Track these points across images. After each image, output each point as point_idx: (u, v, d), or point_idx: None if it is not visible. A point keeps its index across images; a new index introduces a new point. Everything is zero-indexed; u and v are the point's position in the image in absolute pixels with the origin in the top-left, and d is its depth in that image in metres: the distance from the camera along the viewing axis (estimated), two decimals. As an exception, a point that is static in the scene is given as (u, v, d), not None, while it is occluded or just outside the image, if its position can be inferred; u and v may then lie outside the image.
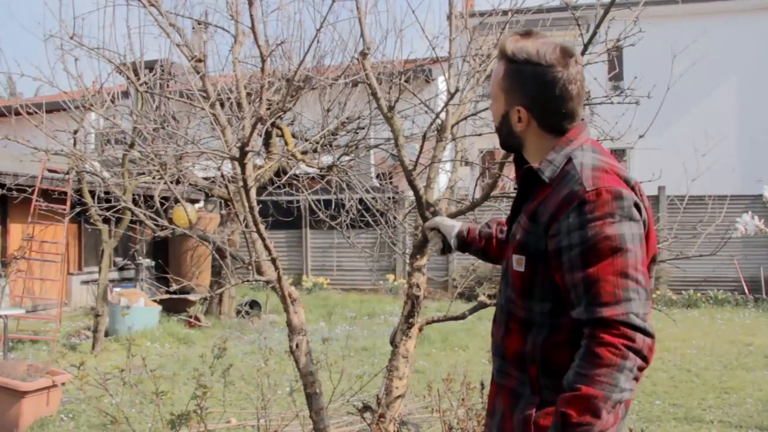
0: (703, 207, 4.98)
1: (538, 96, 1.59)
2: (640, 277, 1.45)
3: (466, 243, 2.06)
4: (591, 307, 1.43)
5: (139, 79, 5.13)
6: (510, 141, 1.70)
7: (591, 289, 1.43)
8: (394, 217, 5.06)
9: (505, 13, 3.73)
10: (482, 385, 3.44)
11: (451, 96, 2.60)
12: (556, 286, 1.53)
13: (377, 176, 10.14)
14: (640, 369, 1.43)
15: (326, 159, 6.63)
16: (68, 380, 5.39)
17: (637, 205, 1.49)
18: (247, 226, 2.80)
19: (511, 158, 2.11)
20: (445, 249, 2.14)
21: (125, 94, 8.59)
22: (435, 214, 2.23)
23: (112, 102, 6.83)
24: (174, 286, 9.48)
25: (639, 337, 1.41)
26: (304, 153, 6.70)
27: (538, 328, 1.58)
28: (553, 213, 1.51)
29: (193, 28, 7.37)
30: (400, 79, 2.82)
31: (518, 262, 1.59)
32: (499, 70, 1.66)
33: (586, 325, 1.44)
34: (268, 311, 10.91)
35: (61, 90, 5.68)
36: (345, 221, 5.85)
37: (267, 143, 6.80)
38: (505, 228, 1.96)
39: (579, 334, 1.48)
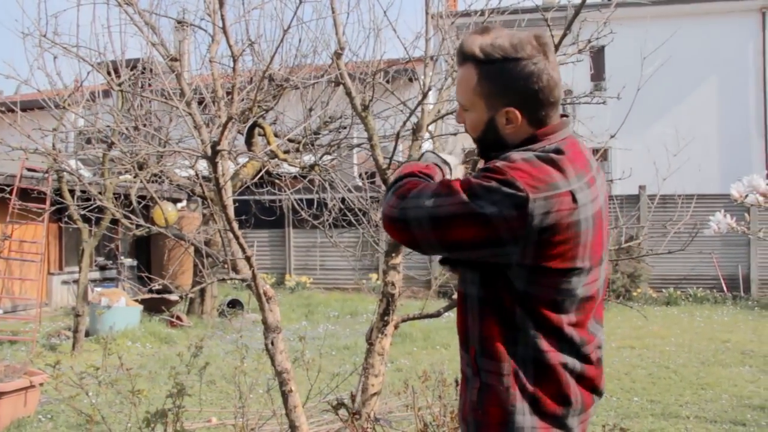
0: (686, 205, 5.04)
1: (526, 92, 1.49)
2: (437, 211, 1.44)
3: None
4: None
5: (119, 77, 5.11)
6: (495, 147, 1.57)
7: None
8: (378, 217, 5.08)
9: (482, 13, 3.77)
10: (457, 381, 3.46)
11: (424, 95, 2.62)
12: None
13: (360, 175, 10.15)
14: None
15: (308, 158, 6.64)
16: (46, 381, 5.36)
17: (519, 210, 1.39)
18: (223, 225, 2.81)
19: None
20: None
21: (106, 94, 8.53)
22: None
23: (93, 101, 6.80)
24: (156, 286, 9.45)
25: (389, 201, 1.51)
26: (286, 152, 6.71)
27: (471, 303, 1.56)
28: None
29: (175, 27, 7.35)
30: (373, 79, 2.84)
31: None
32: (468, 75, 1.53)
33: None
34: (250, 310, 10.89)
35: (38, 89, 5.64)
36: (328, 220, 5.86)
37: (249, 142, 6.79)
38: None
39: (510, 313, 1.48)
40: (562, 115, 1.59)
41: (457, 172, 1.79)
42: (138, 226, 3.22)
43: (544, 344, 1.49)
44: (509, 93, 1.50)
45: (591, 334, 1.56)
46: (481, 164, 1.64)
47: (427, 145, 4.01)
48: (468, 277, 1.57)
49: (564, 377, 1.50)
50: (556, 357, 1.50)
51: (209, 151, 2.04)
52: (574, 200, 1.44)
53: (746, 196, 2.86)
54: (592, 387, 1.57)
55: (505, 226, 1.40)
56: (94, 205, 3.62)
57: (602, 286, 1.59)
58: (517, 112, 1.50)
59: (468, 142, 1.72)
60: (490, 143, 1.58)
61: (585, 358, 1.54)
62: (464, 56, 1.53)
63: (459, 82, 1.57)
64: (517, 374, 1.49)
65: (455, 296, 2.99)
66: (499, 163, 1.44)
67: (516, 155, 1.46)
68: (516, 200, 1.38)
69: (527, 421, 1.49)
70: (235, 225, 2.38)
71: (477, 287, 1.54)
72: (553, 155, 1.47)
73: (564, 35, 2.48)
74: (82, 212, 6.53)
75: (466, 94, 1.55)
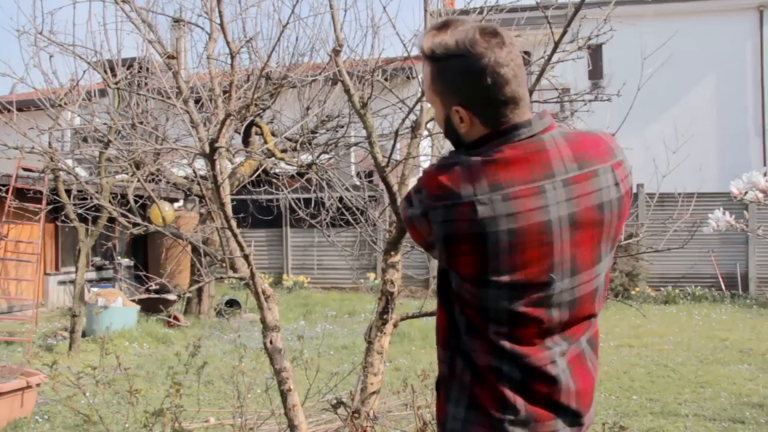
0: (685, 204, 5.04)
1: (470, 90, 1.43)
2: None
3: None
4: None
5: (115, 76, 5.09)
6: (459, 145, 1.53)
7: None
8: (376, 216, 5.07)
9: (480, 11, 3.75)
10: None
11: (423, 92, 2.60)
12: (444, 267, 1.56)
13: (357, 174, 10.13)
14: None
15: (306, 157, 6.62)
16: (43, 381, 5.33)
17: (424, 212, 1.46)
18: (221, 223, 2.79)
19: None
20: None
21: (102, 93, 8.50)
22: None
23: (89, 99, 6.77)
24: (153, 286, 9.42)
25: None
26: (283, 151, 6.69)
27: (437, 294, 1.62)
28: None
29: (172, 26, 7.33)
30: (372, 76, 2.83)
31: None
32: (426, 72, 1.50)
33: None
34: (248, 310, 10.86)
35: (34, 87, 5.62)
36: (325, 220, 5.85)
37: (246, 141, 6.78)
38: None
39: (451, 308, 1.53)
40: (552, 113, 1.56)
41: None
42: (135, 224, 3.20)
43: (474, 344, 1.49)
44: (455, 91, 1.45)
45: (545, 349, 1.48)
46: None
47: (425, 143, 4.00)
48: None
49: (495, 381, 1.47)
50: (485, 359, 1.47)
51: (207, 148, 2.02)
52: (474, 212, 1.38)
53: (746, 192, 2.85)
54: (548, 401, 1.48)
55: (423, 230, 1.47)
56: (91, 204, 3.59)
57: (572, 303, 1.48)
58: (464, 111, 1.45)
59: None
60: (454, 141, 1.55)
61: (529, 371, 1.47)
62: (422, 54, 1.51)
63: (423, 80, 1.57)
64: (457, 365, 1.52)
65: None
66: (424, 169, 1.50)
67: (438, 162, 1.50)
68: (422, 207, 1.45)
69: (460, 413, 1.50)
70: (233, 223, 2.36)
71: (437, 279, 1.60)
72: (473, 161, 1.42)
73: (564, 32, 2.46)
74: (79, 211, 6.50)
75: (427, 91, 1.54)
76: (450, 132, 1.53)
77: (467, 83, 1.43)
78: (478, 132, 1.47)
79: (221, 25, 2.00)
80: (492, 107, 1.43)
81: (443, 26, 1.46)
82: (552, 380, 1.48)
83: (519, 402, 1.46)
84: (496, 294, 1.43)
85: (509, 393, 1.46)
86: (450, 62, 1.43)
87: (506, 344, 1.45)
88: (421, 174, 1.50)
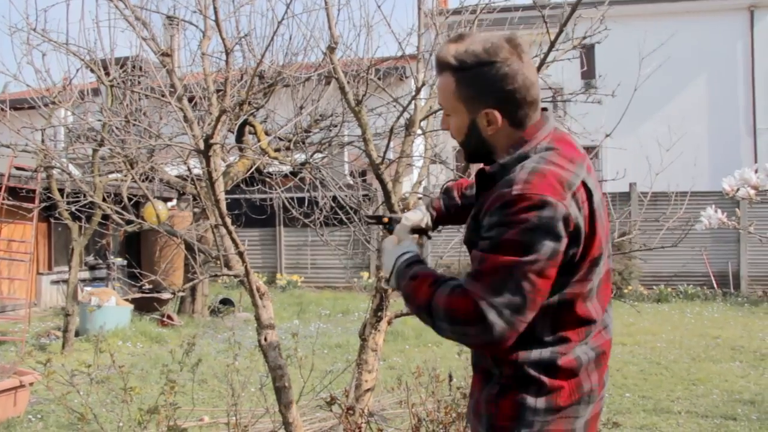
0: (677, 202, 5.07)
1: (503, 93, 1.54)
2: (524, 287, 1.43)
3: (439, 222, 2.03)
4: (471, 279, 1.47)
5: (108, 74, 5.07)
6: (480, 150, 1.64)
7: (481, 268, 1.46)
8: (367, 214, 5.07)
9: (473, 11, 3.76)
10: (450, 377, 3.47)
11: (417, 91, 2.62)
12: None
13: (351, 173, 10.14)
14: (443, 336, 1.54)
15: (299, 156, 6.62)
16: (36, 380, 5.32)
17: (565, 219, 1.45)
18: (216, 220, 2.79)
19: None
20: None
21: (96, 91, 8.47)
22: (391, 229, 1.96)
23: (82, 98, 6.75)
24: (147, 285, 9.40)
25: (479, 327, 1.43)
26: (277, 150, 6.68)
27: None
28: (485, 209, 1.52)
29: (164, 24, 7.31)
30: (366, 74, 2.84)
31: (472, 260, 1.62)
32: (447, 83, 1.59)
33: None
34: (242, 309, 10.85)
35: (27, 85, 5.60)
36: (319, 219, 5.84)
37: (240, 140, 6.77)
38: (466, 190, 2.01)
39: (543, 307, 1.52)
40: (543, 109, 1.65)
41: (407, 223, 1.91)
42: (129, 222, 3.19)
43: (569, 334, 1.56)
44: (487, 95, 1.55)
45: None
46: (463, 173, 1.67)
47: (419, 141, 4.01)
48: None
49: (579, 377, 1.57)
50: (568, 358, 1.56)
51: (202, 145, 2.02)
52: (589, 192, 1.54)
53: (738, 189, 2.87)
54: (601, 375, 1.65)
55: (567, 237, 1.47)
56: (85, 202, 3.58)
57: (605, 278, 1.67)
58: (497, 113, 1.55)
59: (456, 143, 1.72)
60: (474, 146, 1.64)
61: (596, 347, 1.62)
62: (441, 66, 1.59)
63: (440, 90, 1.63)
64: (531, 375, 1.55)
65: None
66: (515, 193, 1.45)
67: (521, 176, 1.49)
68: (558, 212, 1.44)
69: (539, 414, 1.55)
70: (228, 220, 2.36)
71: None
72: (548, 155, 1.54)
73: (560, 32, 2.48)
74: (72, 210, 6.47)
75: (448, 100, 1.61)
76: (474, 136, 1.61)
77: (499, 87, 1.53)
78: (505, 133, 1.58)
79: (216, 21, 2.01)
80: (521, 108, 1.56)
81: (459, 38, 1.58)
82: (606, 357, 1.69)
83: (591, 382, 1.60)
84: (597, 270, 1.58)
85: (587, 377, 1.60)
86: (480, 69, 1.53)
87: (592, 320, 1.60)
88: (518, 193, 1.45)
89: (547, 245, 1.43)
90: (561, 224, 1.44)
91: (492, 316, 1.41)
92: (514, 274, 1.42)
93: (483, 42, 1.53)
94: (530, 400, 1.54)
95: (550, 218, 1.42)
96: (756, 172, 3.08)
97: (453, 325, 1.49)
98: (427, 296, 1.54)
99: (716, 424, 5.21)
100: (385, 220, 2.00)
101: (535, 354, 1.55)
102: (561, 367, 1.55)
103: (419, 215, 1.98)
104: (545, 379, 1.54)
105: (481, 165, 1.70)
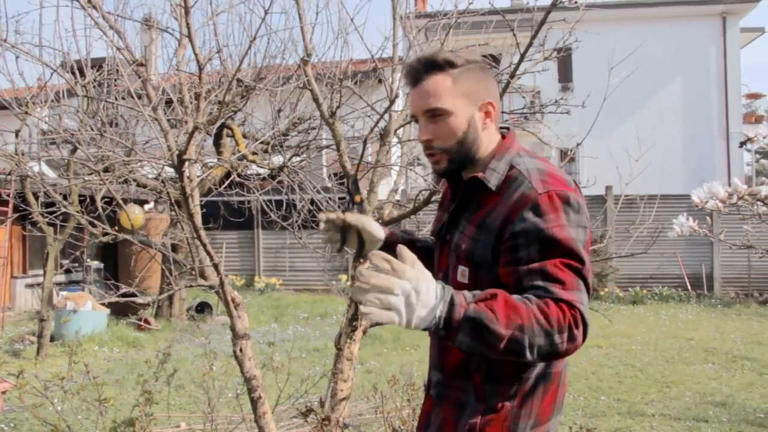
0: (650, 206, 5.14)
1: (494, 90, 1.64)
2: (588, 281, 1.45)
3: (389, 247, 1.85)
4: (551, 286, 1.38)
5: (84, 78, 5.01)
6: (471, 151, 1.60)
7: (550, 276, 1.39)
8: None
9: (449, 16, 3.79)
10: (425, 386, 3.48)
11: (391, 102, 2.63)
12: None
13: (329, 176, 10.13)
14: (555, 353, 1.36)
15: (277, 159, 6.60)
16: (9, 389, 5.25)
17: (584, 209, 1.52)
18: (190, 233, 2.79)
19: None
20: (342, 247, 1.91)
21: (71, 93, 8.37)
22: (361, 209, 1.88)
23: (57, 100, 6.67)
24: (123, 289, 9.29)
25: (581, 330, 1.37)
26: (254, 154, 6.66)
27: None
28: (505, 217, 1.47)
29: (140, 29, 7.25)
30: (340, 84, 2.85)
31: (462, 274, 1.55)
32: (440, 81, 1.57)
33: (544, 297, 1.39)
34: (219, 313, 10.80)
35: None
36: (297, 222, 5.84)
37: (218, 143, 6.73)
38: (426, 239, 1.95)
39: None
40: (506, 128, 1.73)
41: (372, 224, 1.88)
42: (105, 233, 3.17)
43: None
44: (485, 87, 1.62)
45: None
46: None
47: (395, 150, 4.03)
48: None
49: (561, 385, 1.60)
50: (560, 365, 1.59)
51: (175, 160, 2.02)
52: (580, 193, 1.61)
53: (707, 202, 2.93)
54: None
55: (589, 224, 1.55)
56: (59, 213, 3.53)
57: None
58: (496, 106, 1.63)
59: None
60: (468, 147, 1.59)
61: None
62: (432, 66, 1.58)
63: (430, 92, 1.57)
64: (527, 394, 1.53)
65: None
66: (542, 192, 1.47)
67: (535, 176, 1.52)
68: (582, 203, 1.51)
69: None
70: (203, 233, 2.36)
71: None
72: (542, 162, 1.60)
73: (530, 44, 2.51)
74: (47, 218, 6.40)
75: (444, 99, 1.57)
76: (471, 132, 1.60)
77: (491, 84, 1.64)
78: (488, 134, 1.63)
79: (189, 36, 2.00)
80: (500, 109, 1.68)
81: (440, 51, 1.66)
82: None
83: (564, 396, 1.64)
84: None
85: (563, 392, 1.63)
86: (480, 66, 1.62)
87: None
88: (545, 191, 1.47)
89: (582, 237, 1.47)
90: (583, 213, 1.50)
91: (587, 314, 1.40)
92: (579, 272, 1.42)
93: (461, 52, 1.64)
94: (522, 425, 1.52)
95: (577, 209, 1.48)
96: (728, 183, 3.14)
97: (560, 333, 1.34)
98: (522, 321, 1.32)
99: (688, 427, 5.29)
100: (358, 199, 1.88)
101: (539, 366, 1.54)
102: (553, 377, 1.56)
103: (376, 227, 1.90)
104: (539, 393, 1.53)
105: (445, 180, 1.74)
